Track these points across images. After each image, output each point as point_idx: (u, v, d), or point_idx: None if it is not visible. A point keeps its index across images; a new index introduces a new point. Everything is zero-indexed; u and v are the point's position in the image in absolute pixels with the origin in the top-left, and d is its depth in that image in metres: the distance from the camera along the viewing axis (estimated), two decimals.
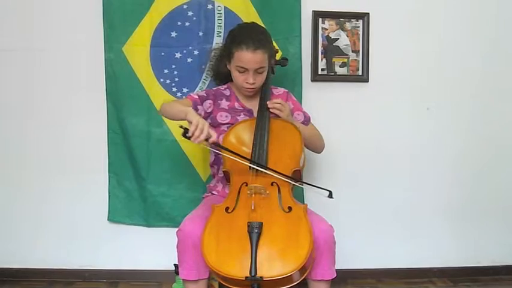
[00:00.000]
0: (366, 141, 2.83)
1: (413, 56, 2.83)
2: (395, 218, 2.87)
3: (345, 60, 2.80)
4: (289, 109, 2.26)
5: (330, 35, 2.78)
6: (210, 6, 2.68)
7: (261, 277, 1.81)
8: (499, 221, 2.94)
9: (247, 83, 2.22)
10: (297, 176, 2.16)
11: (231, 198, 2.06)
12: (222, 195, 2.27)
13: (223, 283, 1.92)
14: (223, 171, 2.21)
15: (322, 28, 2.76)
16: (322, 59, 2.78)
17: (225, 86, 2.40)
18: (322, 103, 2.71)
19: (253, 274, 1.80)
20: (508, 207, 2.94)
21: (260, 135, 2.14)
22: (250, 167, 2.06)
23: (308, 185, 2.12)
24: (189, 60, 2.69)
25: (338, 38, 2.78)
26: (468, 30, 2.85)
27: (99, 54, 2.67)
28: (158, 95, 2.68)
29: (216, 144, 2.04)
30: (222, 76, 2.40)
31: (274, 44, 2.44)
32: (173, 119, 2.19)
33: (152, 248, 2.76)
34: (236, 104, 2.34)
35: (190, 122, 1.97)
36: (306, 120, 2.37)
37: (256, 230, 1.87)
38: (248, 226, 1.89)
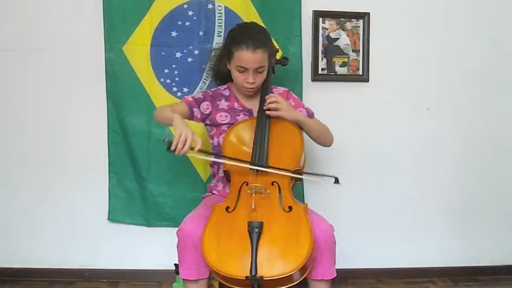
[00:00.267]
0: (366, 141, 2.84)
1: (413, 56, 2.83)
2: (396, 217, 2.87)
3: (345, 60, 2.80)
4: (287, 102, 2.25)
5: (330, 35, 2.78)
6: (210, 6, 2.68)
7: (261, 277, 1.81)
8: (499, 221, 2.94)
9: (247, 82, 2.22)
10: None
11: (232, 197, 2.06)
12: (223, 195, 2.26)
13: (224, 283, 1.92)
14: (223, 171, 2.21)
15: (322, 28, 2.76)
16: (322, 59, 2.78)
17: (225, 86, 2.39)
18: (322, 103, 2.71)
19: (253, 274, 1.80)
20: (508, 207, 2.94)
21: (260, 136, 2.15)
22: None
23: (312, 175, 2.12)
24: (190, 59, 2.69)
25: (338, 38, 2.78)
26: (468, 30, 2.85)
27: (99, 53, 2.67)
28: (158, 95, 2.69)
29: (204, 152, 2.04)
30: (222, 76, 2.39)
31: (275, 43, 2.45)
32: (165, 125, 2.19)
33: (152, 248, 2.77)
34: (236, 104, 2.33)
35: (175, 130, 1.98)
36: (310, 116, 2.36)
37: (256, 230, 1.87)
38: (248, 226, 1.89)
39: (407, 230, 2.89)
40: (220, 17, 2.69)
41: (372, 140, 2.84)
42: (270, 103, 2.16)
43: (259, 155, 2.11)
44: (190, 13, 2.68)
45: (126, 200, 2.75)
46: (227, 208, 2.02)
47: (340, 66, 2.80)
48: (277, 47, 2.45)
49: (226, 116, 2.31)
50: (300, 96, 2.68)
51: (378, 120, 2.84)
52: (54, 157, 2.74)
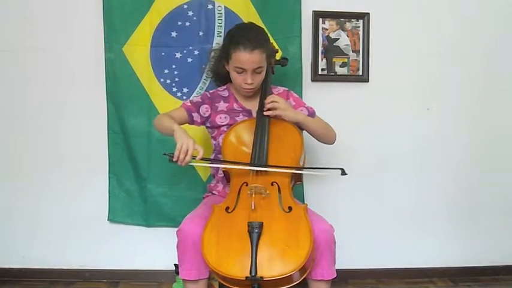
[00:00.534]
0: (366, 141, 2.84)
1: (413, 56, 2.83)
2: (396, 218, 2.87)
3: (345, 60, 2.80)
4: (286, 101, 2.24)
5: (330, 35, 2.78)
6: (210, 6, 2.68)
7: (261, 277, 1.81)
8: (499, 221, 2.93)
9: (245, 83, 2.22)
10: (297, 176, 2.17)
11: (231, 198, 2.06)
12: (222, 195, 2.27)
13: (223, 283, 1.92)
14: (223, 171, 2.21)
15: (322, 28, 2.77)
16: (322, 59, 2.78)
17: (224, 87, 2.39)
18: (322, 103, 2.69)
19: (253, 274, 1.80)
20: (508, 207, 2.94)
21: (260, 136, 2.15)
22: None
23: (317, 169, 2.12)
24: (190, 60, 2.69)
25: (338, 38, 2.79)
26: (468, 31, 2.85)
27: (99, 54, 2.67)
28: (158, 95, 2.69)
29: (206, 159, 2.04)
30: (221, 77, 2.39)
31: (275, 43, 2.45)
32: (165, 135, 2.19)
33: (152, 248, 2.76)
34: (235, 105, 2.33)
35: (176, 141, 1.99)
36: (311, 115, 2.35)
37: (256, 230, 1.87)
38: (248, 226, 1.88)
39: (407, 230, 2.89)
40: (220, 17, 2.69)
41: (371, 140, 2.84)
42: (267, 103, 2.16)
43: (259, 156, 2.11)
44: (190, 13, 2.68)
45: (126, 200, 2.75)
46: (227, 208, 2.02)
47: (340, 66, 2.80)
48: (276, 47, 2.44)
49: (225, 118, 2.31)
50: (300, 96, 2.67)
51: (377, 121, 2.84)
52: (54, 158, 2.74)
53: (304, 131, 2.28)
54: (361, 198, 2.84)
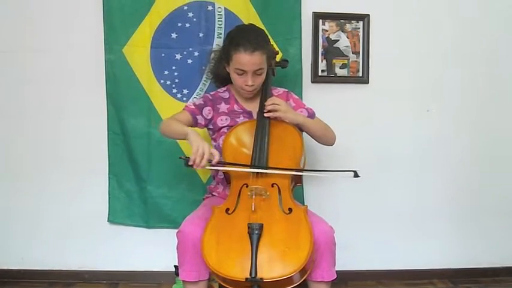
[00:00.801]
0: (366, 142, 2.84)
1: (413, 58, 2.84)
2: (396, 219, 2.87)
3: (345, 61, 2.80)
4: (286, 103, 2.25)
5: (330, 37, 2.78)
6: (210, 8, 2.68)
7: (261, 278, 1.80)
8: (499, 222, 2.94)
9: (246, 85, 2.22)
10: (297, 177, 2.16)
11: (232, 199, 2.06)
12: (223, 197, 2.26)
13: (223, 284, 1.91)
14: (223, 173, 2.21)
15: (322, 29, 2.77)
16: (322, 61, 2.78)
17: (224, 89, 2.39)
18: (322, 104, 2.69)
19: (253, 275, 1.80)
20: (508, 208, 2.94)
21: (260, 138, 2.14)
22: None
23: (330, 172, 2.13)
24: (190, 61, 2.69)
25: (338, 40, 2.79)
26: (468, 32, 2.85)
27: (99, 55, 2.67)
28: (158, 96, 2.69)
29: (219, 162, 2.04)
30: (221, 78, 2.39)
31: (275, 45, 2.45)
32: (174, 139, 2.18)
33: (152, 249, 2.76)
34: (235, 106, 2.33)
35: (191, 145, 1.98)
36: (311, 116, 2.35)
37: (256, 232, 1.87)
38: (248, 227, 1.88)
39: (407, 231, 2.89)
40: (220, 18, 2.69)
41: (371, 141, 2.84)
42: (267, 105, 2.16)
43: (259, 157, 2.10)
44: (190, 15, 2.68)
45: (126, 202, 2.75)
46: (227, 210, 2.02)
47: (340, 67, 2.80)
48: (277, 48, 2.44)
49: (226, 119, 2.31)
50: (300, 97, 2.67)
51: (377, 122, 2.84)
52: (54, 158, 2.74)
53: (303, 133, 2.28)
54: (361, 199, 2.84)
